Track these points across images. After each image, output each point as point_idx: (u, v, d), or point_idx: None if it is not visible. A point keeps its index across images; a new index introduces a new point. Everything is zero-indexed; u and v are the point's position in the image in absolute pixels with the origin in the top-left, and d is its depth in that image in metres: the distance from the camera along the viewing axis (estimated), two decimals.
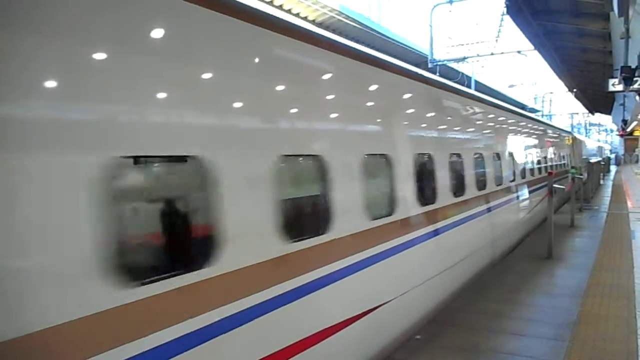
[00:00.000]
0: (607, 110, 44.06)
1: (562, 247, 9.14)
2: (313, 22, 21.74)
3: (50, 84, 2.18)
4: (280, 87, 3.58)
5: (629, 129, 44.41)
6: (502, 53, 25.76)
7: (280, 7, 19.80)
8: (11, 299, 1.96)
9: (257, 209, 3.17)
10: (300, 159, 3.84)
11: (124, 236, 2.42)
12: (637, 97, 18.24)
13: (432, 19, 23.86)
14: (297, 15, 21.08)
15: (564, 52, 19.67)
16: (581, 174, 15.29)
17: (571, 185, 12.15)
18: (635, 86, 12.35)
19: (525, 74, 67.72)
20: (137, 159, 2.54)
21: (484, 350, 4.71)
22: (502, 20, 23.19)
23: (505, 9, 16.40)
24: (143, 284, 2.40)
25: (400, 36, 26.81)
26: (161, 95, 2.69)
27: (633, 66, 11.76)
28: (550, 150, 16.01)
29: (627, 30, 11.32)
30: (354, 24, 22.68)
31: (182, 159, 2.77)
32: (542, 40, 17.36)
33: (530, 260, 8.28)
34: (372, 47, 20.68)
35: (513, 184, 10.06)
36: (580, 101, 42.95)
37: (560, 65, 22.28)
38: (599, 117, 66.87)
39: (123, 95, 2.45)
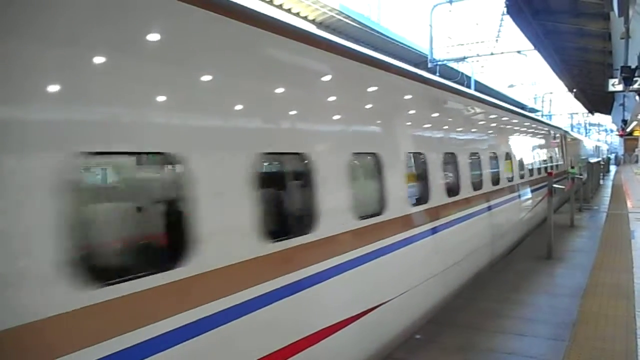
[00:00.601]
0: (607, 110, 44.07)
1: (562, 247, 9.14)
2: (313, 21, 21.74)
3: None
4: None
5: (628, 129, 44.48)
6: (502, 53, 25.79)
7: (280, 7, 19.81)
8: None
9: None
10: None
11: None
12: (637, 97, 18.29)
13: (432, 18, 23.91)
14: (297, 14, 21.09)
15: (563, 52, 19.68)
16: (581, 174, 15.20)
17: (570, 185, 12.12)
18: (635, 86, 12.37)
19: (525, 73, 67.84)
20: None
21: (484, 350, 4.72)
22: (502, 20, 23.24)
23: (505, 9, 16.42)
24: None
25: (400, 36, 26.81)
26: None
27: (633, 66, 11.77)
28: (532, 150, 12.97)
29: (627, 30, 11.32)
30: (354, 24, 22.68)
31: None
32: (542, 40, 17.36)
33: (530, 260, 8.28)
34: (372, 47, 20.71)
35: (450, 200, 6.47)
36: (580, 101, 42.93)
37: (560, 65, 22.28)
38: (598, 117, 66.90)
39: None
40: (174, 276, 2.62)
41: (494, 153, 8.97)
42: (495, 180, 8.72)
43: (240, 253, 3.08)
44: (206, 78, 3.11)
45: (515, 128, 11.73)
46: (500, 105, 10.96)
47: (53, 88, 2.30)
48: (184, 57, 2.93)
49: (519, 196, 10.52)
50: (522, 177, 10.98)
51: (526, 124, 12.98)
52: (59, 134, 2.26)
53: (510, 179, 9.97)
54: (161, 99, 2.82)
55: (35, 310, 2.06)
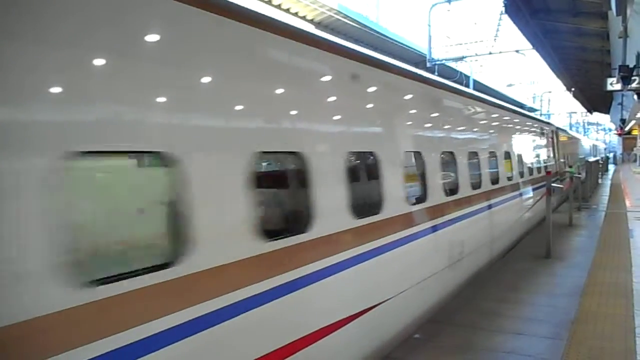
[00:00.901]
0: (606, 109, 44.18)
1: (561, 246, 9.13)
2: (312, 21, 21.74)
3: None
4: None
5: (627, 128, 44.51)
6: (501, 52, 25.81)
7: (278, 7, 19.81)
8: None
9: None
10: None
11: None
12: (635, 96, 18.30)
13: (430, 18, 23.94)
14: (296, 14, 21.09)
15: (562, 51, 19.72)
16: (579, 173, 15.18)
17: (569, 185, 12.11)
18: (633, 85, 12.39)
19: (524, 73, 68.02)
20: None
21: (482, 349, 4.72)
22: (500, 19, 23.25)
23: (503, 8, 16.44)
24: None
25: (399, 35, 26.84)
26: None
27: (631, 65, 11.81)
28: (512, 149, 10.28)
29: (625, 29, 11.34)
30: (352, 24, 22.69)
31: None
32: (540, 40, 17.40)
33: (528, 259, 8.28)
34: (371, 47, 20.73)
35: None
36: (579, 100, 43.05)
37: (559, 64, 22.34)
38: (597, 116, 67.08)
39: None
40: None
41: (449, 152, 6.61)
42: (451, 191, 6.49)
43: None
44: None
45: (485, 121, 8.96)
46: (462, 90, 8.45)
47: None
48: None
49: (489, 207, 8.02)
50: (495, 182, 8.45)
51: (496, 115, 9.74)
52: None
53: (477, 186, 7.53)
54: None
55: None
